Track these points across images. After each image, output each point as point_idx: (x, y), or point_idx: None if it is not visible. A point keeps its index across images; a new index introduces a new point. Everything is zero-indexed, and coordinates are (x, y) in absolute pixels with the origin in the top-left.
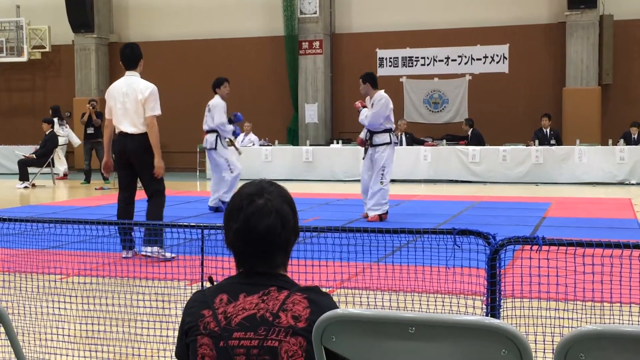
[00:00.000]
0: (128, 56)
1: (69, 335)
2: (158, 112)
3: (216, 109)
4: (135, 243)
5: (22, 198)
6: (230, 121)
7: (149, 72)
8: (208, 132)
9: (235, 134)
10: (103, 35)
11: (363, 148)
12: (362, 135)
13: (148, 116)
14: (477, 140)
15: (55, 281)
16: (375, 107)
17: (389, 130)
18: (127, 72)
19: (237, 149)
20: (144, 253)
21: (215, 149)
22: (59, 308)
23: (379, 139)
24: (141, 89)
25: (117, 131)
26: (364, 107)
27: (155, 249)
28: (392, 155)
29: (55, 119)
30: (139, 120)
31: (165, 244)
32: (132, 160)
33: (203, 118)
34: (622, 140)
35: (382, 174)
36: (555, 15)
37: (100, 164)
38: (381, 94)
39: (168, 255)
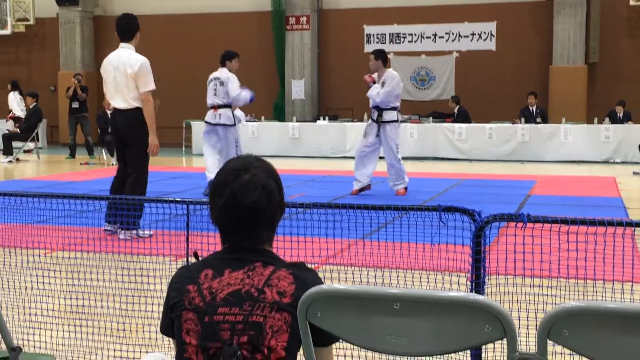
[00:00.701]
0: (123, 27)
1: (53, 310)
2: (152, 86)
3: (232, 81)
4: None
5: (6, 172)
6: None
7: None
8: (220, 106)
9: (252, 99)
10: (88, 8)
11: (365, 126)
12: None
13: (142, 92)
14: (463, 117)
15: (40, 256)
16: (389, 86)
17: (396, 108)
18: (121, 44)
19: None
20: (122, 237)
21: (233, 124)
22: (44, 283)
23: (388, 116)
24: (131, 63)
25: (110, 107)
26: (373, 82)
27: (130, 232)
28: (399, 132)
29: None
30: (129, 94)
31: (145, 220)
32: (122, 135)
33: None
34: (607, 119)
35: (397, 151)
36: None
37: (85, 138)
38: (393, 73)
39: (147, 232)
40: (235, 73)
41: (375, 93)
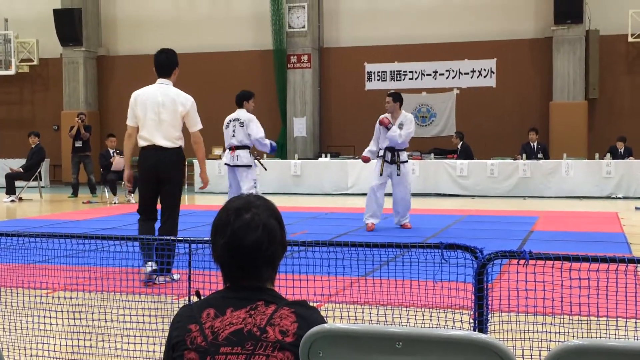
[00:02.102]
0: (162, 62)
1: (54, 351)
2: (201, 125)
3: (254, 123)
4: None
5: (8, 212)
6: None
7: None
8: (238, 147)
9: (273, 149)
10: (91, 48)
11: (380, 165)
12: (367, 153)
13: (195, 131)
14: (466, 153)
15: (41, 296)
16: (409, 128)
17: (405, 149)
18: (160, 80)
19: (262, 164)
20: (162, 281)
21: (251, 166)
22: (45, 323)
23: (403, 156)
24: (182, 100)
25: (144, 143)
26: (390, 123)
27: (170, 275)
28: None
29: None
30: (174, 133)
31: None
32: (161, 175)
33: (222, 132)
34: (608, 155)
35: (410, 188)
36: (542, 30)
37: (88, 177)
38: (409, 115)
39: (176, 276)
40: (252, 112)
41: (397, 134)
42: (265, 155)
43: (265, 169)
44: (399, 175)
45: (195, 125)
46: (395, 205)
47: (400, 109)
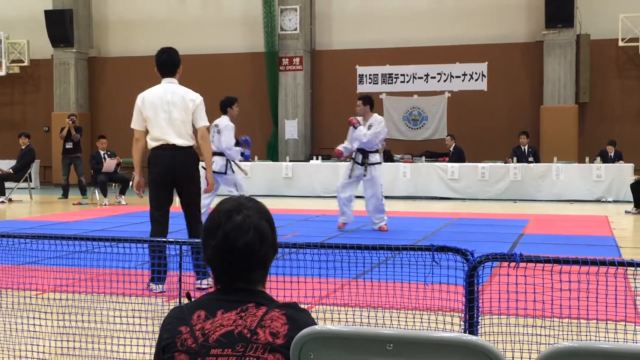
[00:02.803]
0: (165, 62)
1: (44, 353)
2: (208, 122)
3: (226, 131)
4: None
5: None
6: (237, 144)
7: (127, 87)
8: (215, 154)
9: (245, 157)
10: (82, 49)
11: (351, 166)
12: (342, 148)
13: (201, 127)
14: (458, 155)
15: (31, 297)
16: (376, 128)
17: (378, 151)
18: (165, 80)
19: (242, 170)
20: (199, 286)
21: (225, 173)
22: (35, 325)
23: (373, 158)
24: (192, 97)
25: (155, 143)
26: (358, 123)
27: (208, 280)
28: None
29: None
30: (186, 131)
31: (138, 261)
32: (178, 175)
33: None
34: (598, 158)
35: (381, 191)
36: (532, 34)
37: (79, 178)
38: (379, 117)
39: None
40: (236, 118)
41: (362, 134)
42: (256, 158)
43: (246, 174)
44: (365, 176)
45: (203, 120)
46: (366, 206)
47: (371, 112)
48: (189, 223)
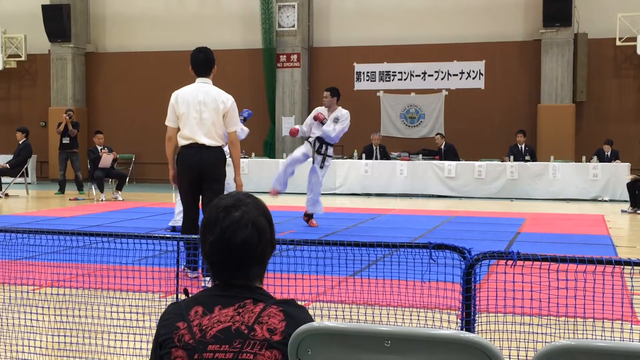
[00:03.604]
0: (202, 61)
1: (41, 347)
2: (240, 125)
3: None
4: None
5: None
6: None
7: (124, 82)
8: None
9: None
10: (80, 45)
11: (311, 152)
12: (299, 127)
13: (231, 130)
14: (451, 152)
15: (28, 292)
16: (343, 123)
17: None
18: (199, 79)
19: None
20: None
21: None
22: (32, 319)
23: (330, 151)
24: (223, 99)
25: (185, 142)
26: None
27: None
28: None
29: None
30: (216, 131)
31: (135, 256)
32: (205, 173)
33: None
34: (595, 157)
35: (322, 183)
36: (530, 33)
37: (75, 174)
38: (345, 111)
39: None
40: None
41: (332, 129)
42: (253, 154)
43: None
44: (322, 168)
45: (234, 125)
46: (313, 194)
47: (337, 104)
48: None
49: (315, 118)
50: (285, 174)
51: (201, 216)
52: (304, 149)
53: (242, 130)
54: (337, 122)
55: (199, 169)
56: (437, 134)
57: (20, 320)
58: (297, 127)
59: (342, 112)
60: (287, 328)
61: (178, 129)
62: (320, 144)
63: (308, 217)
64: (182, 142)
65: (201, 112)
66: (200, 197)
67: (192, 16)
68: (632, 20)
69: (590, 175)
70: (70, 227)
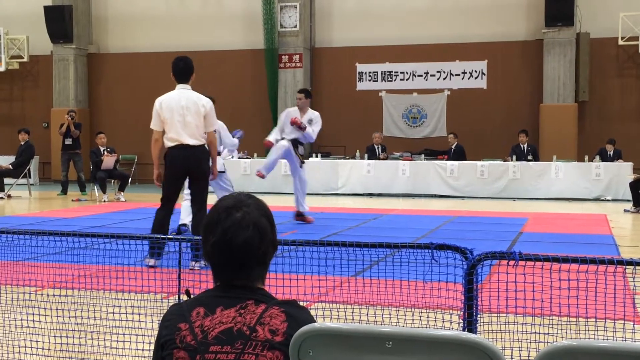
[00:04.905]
0: (182, 70)
1: (43, 349)
2: (216, 126)
3: (224, 131)
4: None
5: None
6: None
7: (126, 83)
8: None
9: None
10: (82, 46)
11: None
12: (273, 140)
13: (210, 131)
14: (459, 153)
15: (30, 293)
16: (319, 124)
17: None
18: (179, 86)
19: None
20: (191, 268)
21: (224, 171)
22: (34, 321)
23: (301, 150)
24: (203, 103)
25: (171, 144)
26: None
27: (201, 263)
28: None
29: None
30: (199, 132)
31: (137, 257)
32: (192, 170)
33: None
34: (597, 157)
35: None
36: (532, 33)
37: (78, 175)
38: (316, 112)
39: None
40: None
41: (312, 131)
42: (255, 155)
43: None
44: (301, 167)
45: (212, 126)
46: (301, 192)
47: (308, 106)
48: (195, 214)
49: (293, 122)
50: (275, 163)
51: (178, 211)
52: (287, 143)
53: (234, 146)
54: (312, 123)
55: (187, 166)
56: (450, 134)
57: (23, 322)
58: (270, 140)
59: (315, 114)
60: (289, 329)
61: (163, 132)
62: (295, 145)
63: (300, 215)
64: (168, 143)
65: (184, 115)
66: (190, 192)
67: (194, 17)
68: (635, 20)
69: (592, 174)
70: (73, 228)
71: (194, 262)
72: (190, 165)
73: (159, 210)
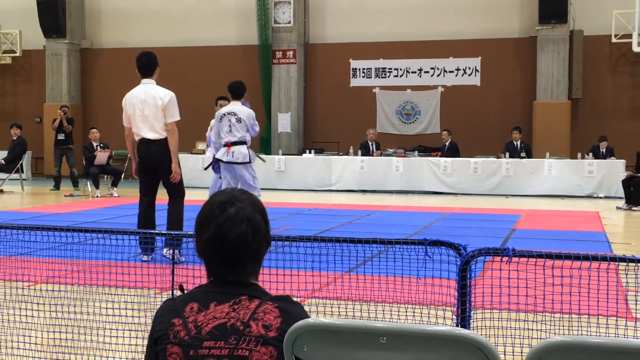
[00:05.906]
0: (145, 64)
1: (36, 344)
2: (177, 117)
3: (253, 118)
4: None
5: None
6: None
7: (119, 78)
8: (235, 143)
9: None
10: (75, 40)
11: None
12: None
13: (169, 122)
14: (452, 150)
15: (23, 288)
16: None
17: None
18: (144, 80)
19: (261, 158)
20: (165, 255)
21: (250, 162)
22: (27, 316)
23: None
24: (160, 96)
25: (137, 138)
26: None
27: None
28: None
29: None
30: (158, 125)
31: (130, 252)
32: (154, 165)
33: (179, 124)
34: (590, 154)
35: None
36: (526, 30)
37: (70, 170)
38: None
39: (182, 259)
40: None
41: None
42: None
43: (264, 161)
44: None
45: (172, 117)
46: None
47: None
48: (169, 207)
49: None
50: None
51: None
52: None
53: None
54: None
55: (148, 159)
56: (444, 130)
57: (16, 317)
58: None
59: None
60: (283, 324)
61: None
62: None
63: None
64: (135, 138)
65: (143, 109)
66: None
67: (188, 12)
68: (628, 17)
69: (585, 172)
70: (66, 223)
71: (165, 249)
72: (151, 158)
73: (139, 205)
